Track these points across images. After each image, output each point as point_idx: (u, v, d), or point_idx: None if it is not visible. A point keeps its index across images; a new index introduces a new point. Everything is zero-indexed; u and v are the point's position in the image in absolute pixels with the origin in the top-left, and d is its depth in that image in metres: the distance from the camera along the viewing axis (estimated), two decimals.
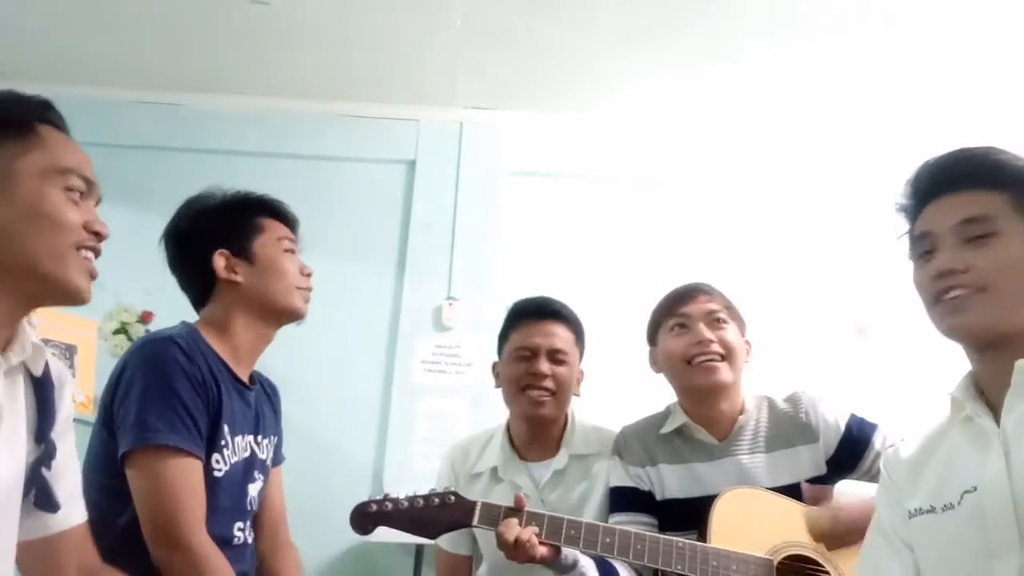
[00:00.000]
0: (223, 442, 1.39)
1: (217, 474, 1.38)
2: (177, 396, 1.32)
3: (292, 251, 1.56)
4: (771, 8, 2.67)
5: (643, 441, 1.66)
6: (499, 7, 2.74)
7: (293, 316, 1.54)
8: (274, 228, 1.55)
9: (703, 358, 1.58)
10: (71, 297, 0.99)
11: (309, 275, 1.57)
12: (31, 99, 1.02)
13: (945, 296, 1.01)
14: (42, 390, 1.03)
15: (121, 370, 1.37)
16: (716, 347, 1.59)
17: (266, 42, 3.04)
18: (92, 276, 1.01)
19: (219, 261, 1.49)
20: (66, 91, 3.13)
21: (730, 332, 1.62)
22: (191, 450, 1.31)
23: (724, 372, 1.58)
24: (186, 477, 1.30)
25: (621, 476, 1.66)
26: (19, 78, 3.15)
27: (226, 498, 1.40)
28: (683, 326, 1.63)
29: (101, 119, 3.20)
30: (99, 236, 1.01)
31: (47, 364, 1.04)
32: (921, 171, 1.10)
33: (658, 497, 1.62)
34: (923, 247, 1.07)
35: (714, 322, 1.62)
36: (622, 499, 1.64)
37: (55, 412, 1.05)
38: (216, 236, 1.51)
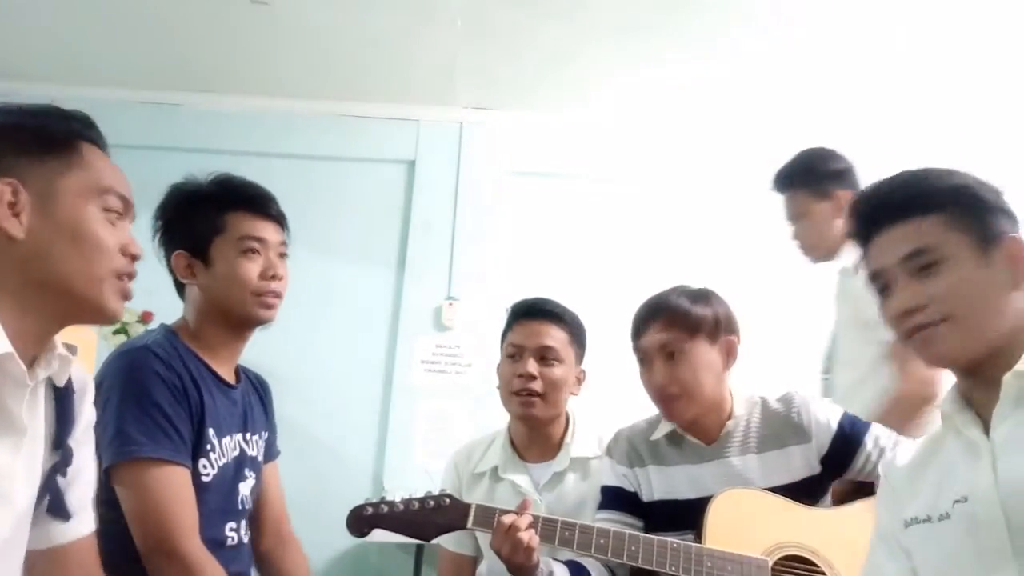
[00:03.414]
0: (209, 446, 1.37)
1: (205, 479, 1.35)
2: (157, 406, 1.29)
3: (253, 251, 1.43)
4: (771, 6, 2.67)
5: (633, 443, 1.66)
6: (499, 7, 2.74)
7: (251, 324, 1.46)
8: (237, 226, 1.43)
9: (661, 399, 1.57)
10: (105, 319, 1.00)
11: (274, 277, 1.44)
12: (74, 115, 1.02)
13: (914, 333, 1.02)
14: (63, 398, 1.02)
15: (99, 383, 1.32)
16: (671, 389, 1.54)
17: (266, 42, 3.04)
18: (126, 298, 1.01)
19: (178, 262, 1.44)
20: (66, 91, 3.15)
21: (687, 363, 1.53)
22: (175, 459, 1.29)
23: (681, 411, 1.56)
24: (173, 487, 1.28)
25: (609, 475, 1.66)
26: (19, 78, 3.17)
27: (216, 500, 1.38)
28: (643, 361, 1.61)
29: (101, 119, 3.17)
30: (134, 258, 1.01)
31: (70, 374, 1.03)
32: (858, 206, 1.11)
33: (645, 499, 1.61)
34: (878, 285, 1.08)
35: (668, 356, 1.55)
36: (608, 497, 1.64)
37: (75, 419, 1.03)
38: (177, 235, 1.46)
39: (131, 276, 1.01)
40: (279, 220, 1.50)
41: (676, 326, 1.56)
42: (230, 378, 1.49)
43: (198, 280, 1.43)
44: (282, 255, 1.49)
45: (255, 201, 1.47)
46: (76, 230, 0.94)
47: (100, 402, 1.30)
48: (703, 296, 1.61)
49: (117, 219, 1.00)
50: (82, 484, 1.06)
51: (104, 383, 1.32)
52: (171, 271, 1.47)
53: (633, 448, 1.65)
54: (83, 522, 1.06)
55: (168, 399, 1.31)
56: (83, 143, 1.00)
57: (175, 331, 1.44)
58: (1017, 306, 0.99)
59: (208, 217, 1.43)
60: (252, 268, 1.42)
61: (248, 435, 1.50)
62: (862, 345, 1.95)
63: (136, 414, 1.28)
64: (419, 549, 2.84)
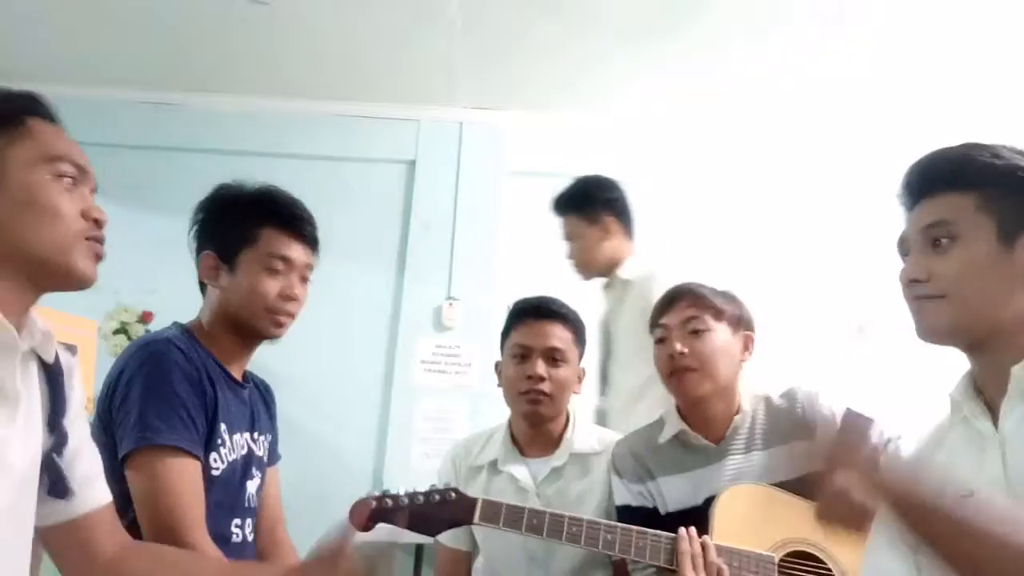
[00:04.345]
0: (220, 441, 1.39)
1: (215, 472, 1.38)
2: (177, 396, 1.32)
3: (276, 270, 1.45)
4: (772, 6, 2.67)
5: (639, 456, 1.66)
6: (499, 7, 2.74)
7: (259, 337, 1.49)
8: (268, 241, 1.45)
9: (675, 370, 1.57)
10: (78, 283, 1.00)
11: (289, 298, 1.46)
12: (18, 93, 1.03)
13: (913, 302, 1.03)
14: (53, 378, 1.04)
15: (119, 372, 1.37)
16: (688, 360, 1.56)
17: (266, 42, 3.04)
18: (98, 258, 1.02)
19: (206, 262, 1.46)
20: (66, 91, 3.13)
21: (709, 340, 1.57)
22: (191, 450, 1.32)
23: (693, 384, 1.56)
24: (186, 477, 1.30)
25: (624, 495, 1.65)
26: (19, 78, 3.14)
27: (223, 496, 1.40)
28: (662, 339, 1.62)
29: (101, 119, 3.20)
30: (98, 223, 1.01)
31: (56, 352, 1.05)
32: (905, 176, 1.11)
33: (661, 511, 1.61)
34: (900, 251, 1.09)
35: (691, 333, 1.58)
36: (629, 518, 1.61)
37: (66, 399, 1.06)
38: (210, 235, 1.48)
39: (99, 240, 1.02)
40: (311, 243, 1.53)
41: (702, 307, 1.60)
42: (240, 378, 1.52)
43: (220, 283, 1.46)
44: (304, 278, 1.51)
45: (291, 220, 1.50)
46: (28, 197, 0.96)
47: (120, 392, 1.34)
48: (727, 293, 1.68)
49: (72, 185, 1.01)
50: (85, 460, 1.09)
51: (125, 372, 1.35)
52: (197, 266, 1.50)
53: (639, 462, 1.65)
54: (96, 493, 1.09)
55: (187, 391, 1.34)
56: (29, 118, 1.01)
57: (189, 330, 1.47)
58: None
59: (243, 225, 1.46)
60: (272, 286, 1.44)
61: (256, 435, 1.53)
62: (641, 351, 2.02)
63: (157, 403, 1.31)
64: (419, 549, 2.84)
